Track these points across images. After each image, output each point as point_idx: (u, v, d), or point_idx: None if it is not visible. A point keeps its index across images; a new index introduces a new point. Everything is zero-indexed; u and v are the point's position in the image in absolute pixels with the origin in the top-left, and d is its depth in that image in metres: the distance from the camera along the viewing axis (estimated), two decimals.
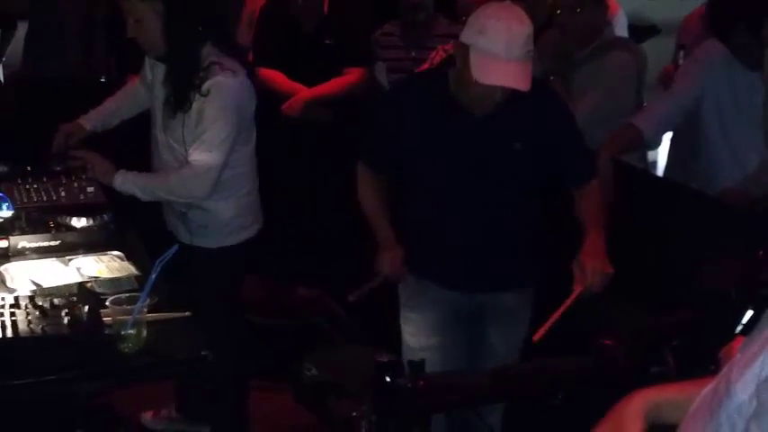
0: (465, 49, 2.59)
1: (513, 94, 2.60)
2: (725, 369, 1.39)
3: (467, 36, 2.60)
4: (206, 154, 3.03)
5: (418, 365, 2.27)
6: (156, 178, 3.17)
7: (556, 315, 2.49)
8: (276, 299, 3.92)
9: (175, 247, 2.49)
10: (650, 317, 2.40)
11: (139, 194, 3.10)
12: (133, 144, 3.38)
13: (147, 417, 3.69)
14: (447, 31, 4.61)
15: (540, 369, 2.32)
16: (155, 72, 3.22)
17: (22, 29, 5.47)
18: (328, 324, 3.60)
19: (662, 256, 2.96)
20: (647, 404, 1.62)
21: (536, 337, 2.45)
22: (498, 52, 2.52)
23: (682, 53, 4.07)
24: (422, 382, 2.22)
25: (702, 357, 2.01)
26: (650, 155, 3.86)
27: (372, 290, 2.77)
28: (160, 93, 3.15)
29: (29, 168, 3.36)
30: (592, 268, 2.59)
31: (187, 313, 2.54)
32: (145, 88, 3.35)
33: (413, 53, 4.66)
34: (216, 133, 3.03)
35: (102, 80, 5.24)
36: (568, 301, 2.54)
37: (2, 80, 5.64)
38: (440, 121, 2.75)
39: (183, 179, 3.09)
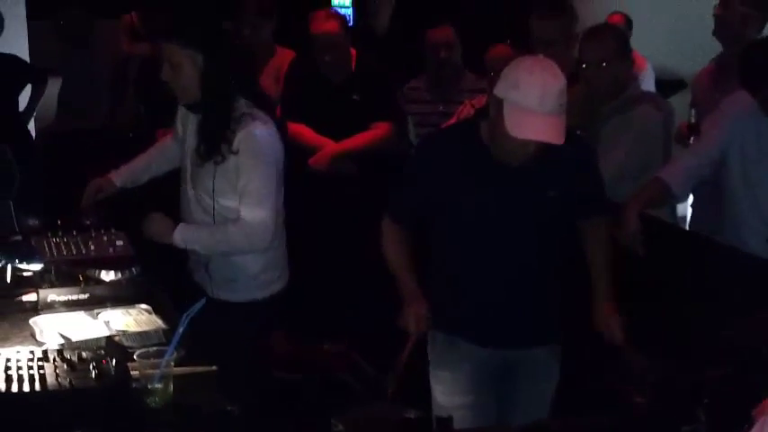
0: (499, 102, 2.60)
1: (546, 144, 2.60)
2: (756, 427, 1.38)
3: (501, 89, 2.60)
4: (256, 206, 3.03)
5: (446, 421, 2.25)
6: (215, 233, 3.13)
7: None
8: (302, 354, 3.90)
9: (203, 300, 2.49)
10: (681, 374, 2.37)
11: (200, 249, 3.13)
12: (159, 202, 3.39)
13: None
14: (474, 85, 4.66)
15: (570, 425, 2.29)
16: (186, 125, 3.25)
17: (56, 85, 5.57)
18: (355, 380, 3.57)
19: (692, 312, 2.93)
20: None
21: None
22: (532, 106, 2.53)
23: (693, 111, 4.08)
24: None
25: (735, 416, 1.97)
26: (680, 209, 3.84)
27: (404, 365, 2.71)
28: (191, 144, 3.18)
29: (59, 222, 3.39)
30: (615, 325, 2.75)
31: (213, 368, 2.53)
32: (176, 144, 3.38)
33: (440, 107, 4.70)
34: (260, 183, 3.04)
35: (131, 135, 5.31)
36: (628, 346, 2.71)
37: (33, 135, 5.73)
38: (473, 172, 2.75)
39: (243, 233, 3.06)
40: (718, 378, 2.31)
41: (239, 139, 3.03)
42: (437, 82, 4.76)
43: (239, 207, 3.06)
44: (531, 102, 2.53)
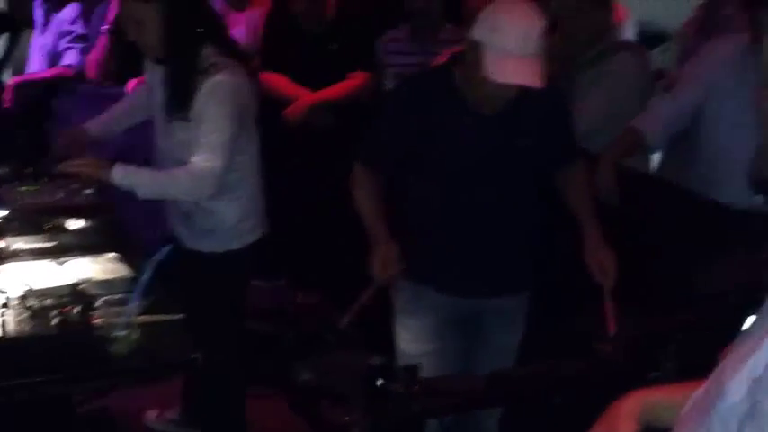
0: (477, 46, 2.56)
1: (522, 90, 2.57)
2: (717, 369, 1.37)
3: (479, 33, 2.56)
4: (208, 156, 2.98)
5: (412, 369, 2.24)
6: (159, 176, 3.08)
7: (608, 311, 2.56)
8: (276, 304, 3.90)
9: (169, 247, 2.47)
10: (650, 320, 2.36)
11: (140, 189, 2.97)
12: (133, 154, 3.35)
13: (151, 415, 3.69)
14: (453, 36, 4.58)
15: (536, 372, 2.28)
16: (153, 76, 3.21)
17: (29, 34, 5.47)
18: (328, 330, 3.57)
19: (663, 260, 2.92)
20: (641, 405, 1.60)
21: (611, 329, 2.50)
22: (512, 50, 2.50)
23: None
24: (416, 387, 2.18)
25: (702, 361, 1.97)
26: (654, 159, 3.79)
27: (364, 306, 2.71)
28: (160, 97, 3.13)
29: (30, 170, 3.35)
30: (610, 262, 2.68)
31: (179, 316, 2.51)
32: (147, 94, 3.33)
33: (419, 59, 4.63)
34: (217, 134, 3.00)
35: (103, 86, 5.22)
36: (608, 298, 2.61)
37: (4, 83, 5.65)
38: (445, 119, 2.71)
39: (188, 179, 3.00)
40: (686, 324, 2.30)
41: (205, 89, 2.98)
42: (416, 33, 4.70)
43: (192, 153, 2.99)
44: (513, 45, 2.50)
